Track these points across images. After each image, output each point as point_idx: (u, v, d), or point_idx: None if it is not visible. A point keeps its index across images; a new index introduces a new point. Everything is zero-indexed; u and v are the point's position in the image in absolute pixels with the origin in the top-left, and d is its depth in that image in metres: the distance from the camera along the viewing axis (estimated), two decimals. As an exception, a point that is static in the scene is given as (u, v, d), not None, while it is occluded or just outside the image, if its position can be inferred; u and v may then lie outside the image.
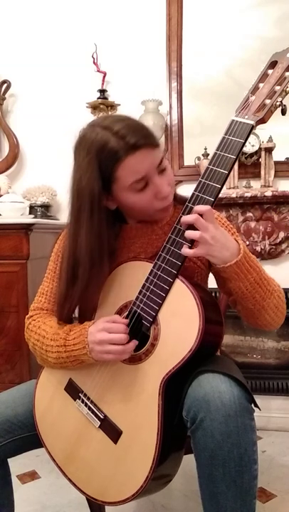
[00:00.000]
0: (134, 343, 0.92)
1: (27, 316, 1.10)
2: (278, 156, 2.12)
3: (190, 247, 0.89)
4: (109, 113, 2.29)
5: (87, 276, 0.97)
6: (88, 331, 0.94)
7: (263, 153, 2.09)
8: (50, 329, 1.01)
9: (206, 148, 2.19)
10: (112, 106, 2.35)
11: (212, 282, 1.19)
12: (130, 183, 0.93)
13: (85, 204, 0.95)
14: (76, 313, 1.12)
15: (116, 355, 0.91)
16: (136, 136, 0.90)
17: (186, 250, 0.88)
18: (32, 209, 2.39)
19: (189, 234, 0.87)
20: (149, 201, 0.97)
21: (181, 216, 0.92)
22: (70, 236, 1.00)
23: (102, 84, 2.37)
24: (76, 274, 0.98)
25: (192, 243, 0.89)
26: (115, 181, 0.94)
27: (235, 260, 0.88)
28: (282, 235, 2.08)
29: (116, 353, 0.90)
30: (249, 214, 2.08)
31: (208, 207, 0.86)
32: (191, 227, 0.87)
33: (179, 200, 1.07)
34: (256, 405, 0.86)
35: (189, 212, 0.89)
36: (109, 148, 0.90)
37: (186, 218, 0.87)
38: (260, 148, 2.08)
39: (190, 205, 0.91)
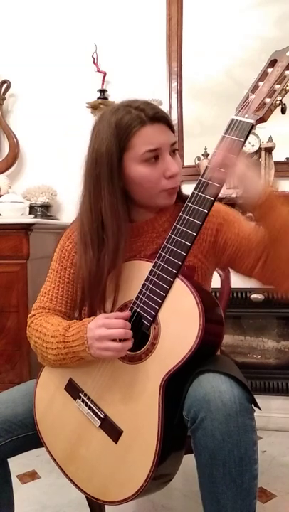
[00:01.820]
0: (130, 341, 0.91)
1: (29, 315, 1.10)
2: (278, 156, 2.13)
3: (219, 188, 0.90)
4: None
5: (117, 236, 0.97)
6: (87, 327, 0.93)
7: (263, 153, 2.09)
8: (50, 326, 1.01)
9: (206, 148, 2.19)
10: (112, 106, 2.35)
11: (214, 282, 1.19)
12: (143, 151, 0.95)
13: (104, 170, 0.97)
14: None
15: (114, 352, 0.90)
16: (156, 110, 0.96)
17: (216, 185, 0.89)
18: (32, 209, 2.40)
19: (220, 174, 0.89)
20: (157, 178, 0.97)
21: (181, 216, 0.92)
22: (90, 203, 1.00)
23: (102, 84, 2.38)
24: (102, 238, 0.99)
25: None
26: (129, 150, 0.96)
27: (262, 200, 0.89)
28: (282, 234, 2.08)
29: (114, 350, 0.90)
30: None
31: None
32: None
33: (181, 198, 1.07)
34: (256, 405, 0.85)
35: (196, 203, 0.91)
36: (129, 118, 0.95)
37: (214, 160, 0.89)
38: (260, 148, 2.08)
39: (190, 204, 0.91)
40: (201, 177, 0.91)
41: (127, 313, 0.94)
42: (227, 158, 0.88)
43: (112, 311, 0.99)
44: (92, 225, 1.00)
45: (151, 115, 0.94)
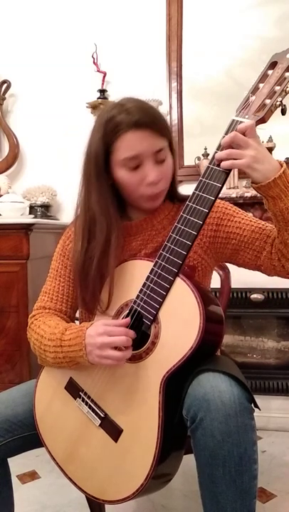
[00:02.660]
0: (130, 350, 0.91)
1: (30, 316, 1.10)
2: (278, 156, 2.12)
3: (227, 174, 0.88)
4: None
5: (106, 231, 0.99)
6: (86, 333, 0.93)
7: (263, 153, 2.08)
8: (48, 329, 1.01)
9: (206, 148, 2.20)
10: (112, 106, 2.35)
11: (214, 282, 1.19)
12: (123, 157, 0.97)
13: (92, 168, 1.00)
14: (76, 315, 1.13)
15: (114, 361, 0.90)
16: (141, 115, 0.95)
17: (225, 163, 0.88)
18: (32, 209, 2.40)
19: (224, 153, 0.87)
20: (136, 184, 0.99)
21: (181, 215, 0.92)
22: (83, 199, 1.03)
23: (102, 84, 2.38)
24: (94, 232, 1.01)
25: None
26: (113, 152, 0.98)
27: (279, 174, 0.87)
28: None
29: (115, 358, 0.89)
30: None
31: (250, 122, 0.87)
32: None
33: (179, 199, 1.08)
34: (256, 405, 0.85)
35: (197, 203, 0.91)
36: (115, 120, 0.95)
37: (225, 139, 0.88)
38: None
39: (190, 204, 0.91)
40: (202, 177, 0.91)
41: (126, 320, 0.94)
42: (239, 138, 0.86)
43: (107, 308, 1.00)
44: (84, 219, 1.03)
45: (134, 121, 0.94)
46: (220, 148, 0.90)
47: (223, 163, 0.88)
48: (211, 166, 0.90)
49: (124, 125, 0.94)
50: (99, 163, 0.98)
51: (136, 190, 1.00)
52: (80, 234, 1.03)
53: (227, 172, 0.89)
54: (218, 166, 0.89)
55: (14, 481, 1.13)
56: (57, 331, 0.98)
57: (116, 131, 0.95)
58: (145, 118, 0.95)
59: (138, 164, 0.97)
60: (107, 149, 0.98)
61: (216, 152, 0.90)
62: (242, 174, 2.13)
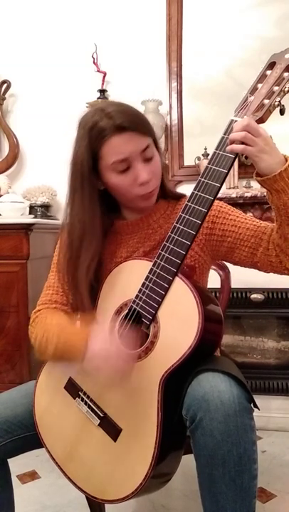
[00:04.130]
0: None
1: (34, 311, 1.10)
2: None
3: (227, 173, 0.89)
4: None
5: (78, 244, 1.02)
6: (92, 341, 0.92)
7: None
8: (55, 320, 1.02)
9: (206, 148, 2.20)
10: (112, 106, 2.35)
11: (214, 282, 1.19)
12: (112, 162, 0.97)
13: (78, 175, 1.01)
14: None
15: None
16: (123, 119, 0.95)
17: (238, 146, 0.87)
18: (32, 209, 2.40)
19: (234, 148, 0.88)
20: (129, 185, 0.99)
21: (180, 215, 0.93)
22: (68, 205, 1.06)
23: (102, 84, 2.38)
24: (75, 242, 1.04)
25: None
26: (101, 159, 0.98)
27: (285, 167, 0.88)
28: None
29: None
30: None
31: (246, 120, 0.87)
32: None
33: (172, 196, 1.09)
34: (255, 405, 0.85)
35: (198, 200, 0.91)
36: (99, 126, 0.96)
37: (238, 125, 0.87)
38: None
39: (189, 204, 0.92)
40: (201, 177, 0.91)
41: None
42: (252, 125, 0.86)
43: (96, 306, 1.02)
44: (69, 224, 1.05)
45: (117, 125, 0.94)
46: (227, 133, 0.90)
47: (235, 147, 0.87)
48: (210, 165, 0.90)
49: (108, 130, 0.95)
50: (85, 172, 1.00)
51: (129, 192, 1.01)
52: (65, 237, 1.06)
53: (226, 173, 0.89)
54: (225, 150, 0.89)
55: (14, 481, 1.13)
56: (62, 321, 1.00)
57: (101, 137, 0.96)
58: (127, 120, 0.96)
59: (128, 166, 0.97)
60: (94, 157, 0.98)
61: (214, 153, 0.90)
62: (242, 174, 2.13)
